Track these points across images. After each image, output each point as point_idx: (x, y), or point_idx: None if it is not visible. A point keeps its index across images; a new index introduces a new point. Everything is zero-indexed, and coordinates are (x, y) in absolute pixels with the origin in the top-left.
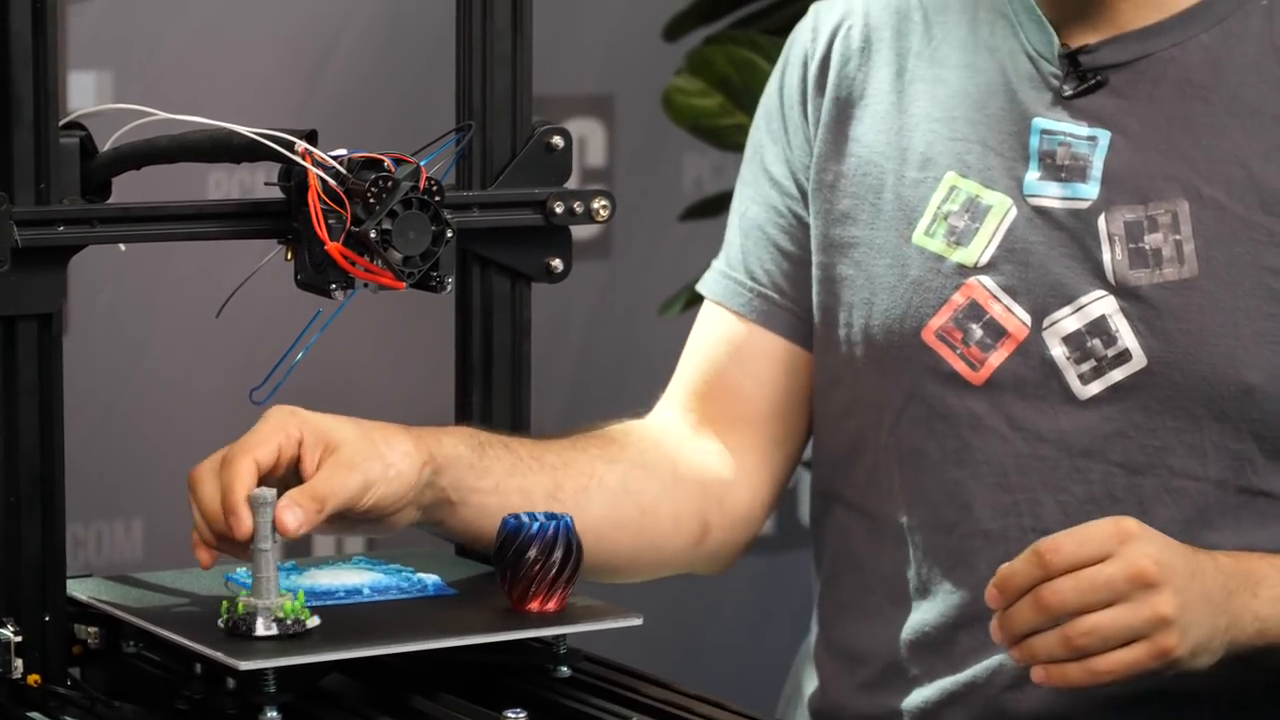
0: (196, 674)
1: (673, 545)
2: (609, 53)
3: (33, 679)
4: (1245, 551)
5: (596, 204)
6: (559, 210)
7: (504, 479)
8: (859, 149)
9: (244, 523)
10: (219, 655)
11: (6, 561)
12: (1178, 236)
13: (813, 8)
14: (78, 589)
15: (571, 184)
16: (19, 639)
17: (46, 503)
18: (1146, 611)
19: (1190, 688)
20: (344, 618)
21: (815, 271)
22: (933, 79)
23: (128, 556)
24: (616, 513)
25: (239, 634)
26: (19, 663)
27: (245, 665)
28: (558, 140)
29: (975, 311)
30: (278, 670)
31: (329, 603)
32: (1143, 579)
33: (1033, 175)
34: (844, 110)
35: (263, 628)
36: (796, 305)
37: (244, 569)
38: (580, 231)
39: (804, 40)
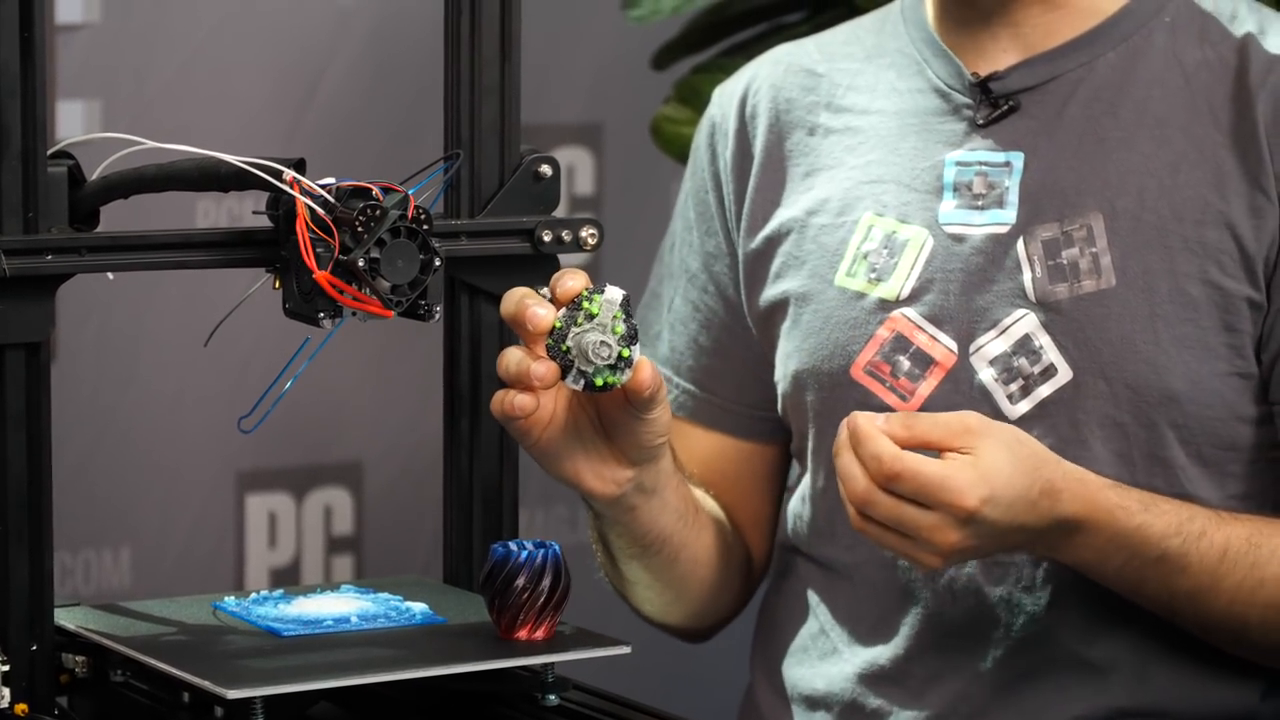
0: (184, 703)
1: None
2: (597, 82)
3: (20, 708)
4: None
5: (585, 232)
6: (547, 239)
7: (681, 488)
8: (782, 212)
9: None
10: (207, 684)
11: None
12: (1094, 249)
13: (715, 92)
14: (65, 618)
15: (560, 212)
16: (6, 668)
17: (34, 531)
18: (937, 536)
19: (1160, 709)
20: (332, 646)
21: (759, 338)
22: (844, 128)
23: (115, 585)
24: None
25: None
26: (6, 692)
27: (233, 694)
28: (546, 169)
29: (901, 343)
30: (265, 699)
31: (317, 631)
32: (946, 528)
33: (948, 205)
34: (768, 177)
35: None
36: (717, 396)
37: (232, 597)
38: (568, 260)
39: (711, 123)
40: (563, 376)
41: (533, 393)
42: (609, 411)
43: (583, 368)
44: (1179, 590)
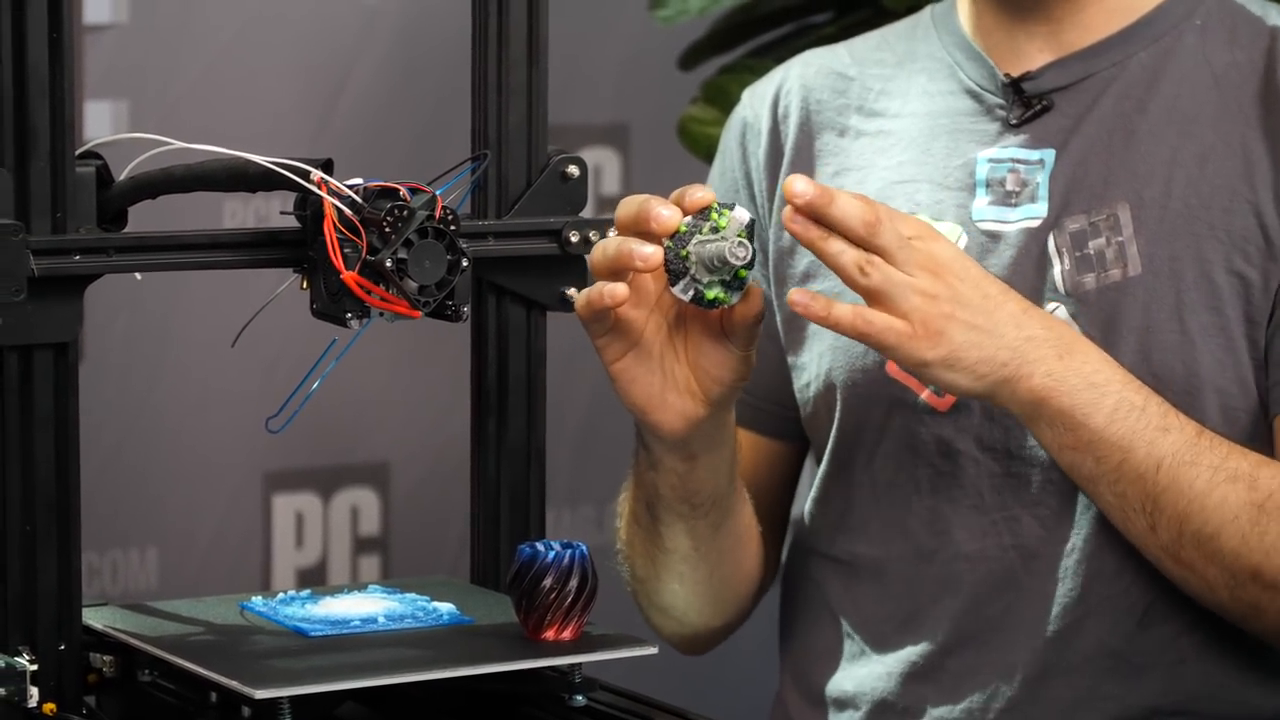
0: (212, 703)
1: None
2: (624, 82)
3: (48, 708)
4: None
5: (612, 233)
6: (574, 239)
7: (736, 453)
8: None
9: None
10: (234, 684)
11: (23, 590)
12: (1120, 238)
13: (745, 92)
14: (93, 618)
15: (587, 213)
16: (34, 667)
17: (62, 531)
18: (930, 285)
19: (1194, 709)
20: (359, 646)
21: (783, 338)
22: (875, 131)
23: (142, 585)
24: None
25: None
26: (34, 691)
27: (260, 694)
28: (573, 169)
29: None
30: (293, 699)
31: (344, 631)
32: (934, 265)
33: (981, 202)
34: (796, 173)
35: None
36: (748, 394)
37: (259, 597)
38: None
39: (742, 123)
40: (673, 283)
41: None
42: (700, 340)
43: (697, 277)
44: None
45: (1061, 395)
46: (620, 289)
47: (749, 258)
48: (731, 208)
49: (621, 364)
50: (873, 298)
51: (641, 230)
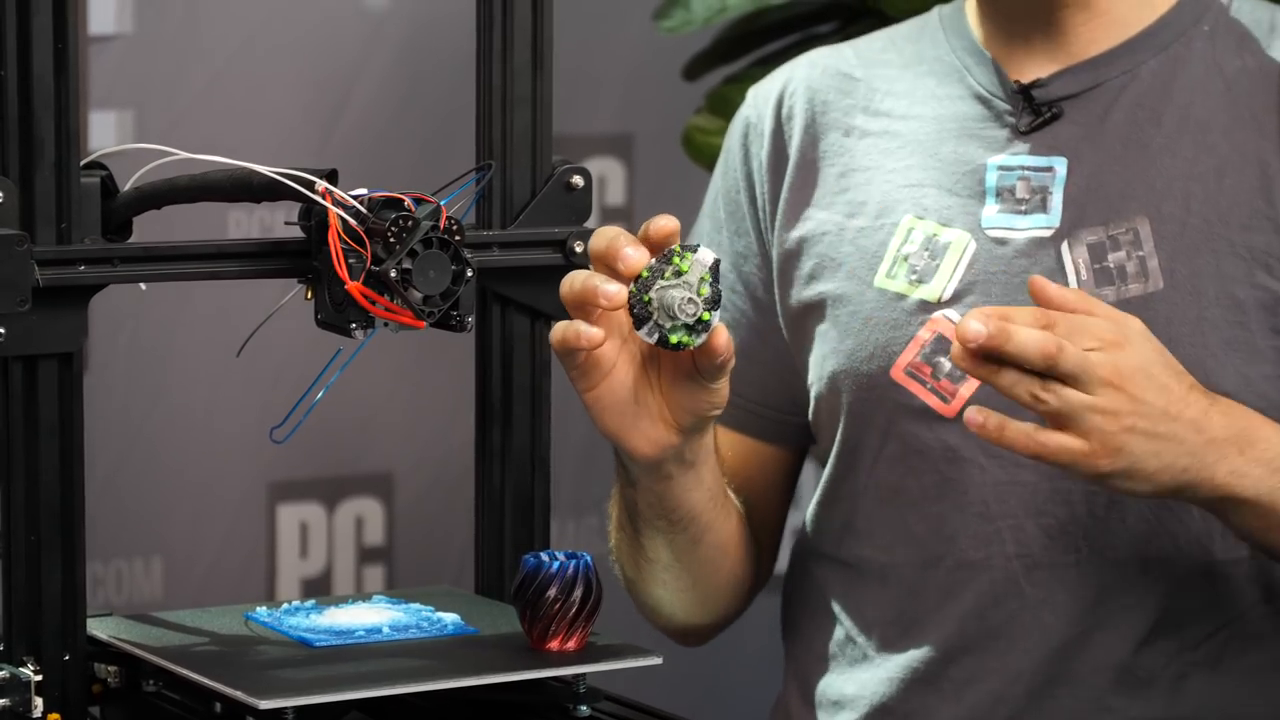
0: (216, 713)
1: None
2: (629, 92)
3: (53, 718)
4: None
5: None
6: (579, 249)
7: (716, 468)
8: (817, 212)
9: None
10: (239, 694)
11: (27, 600)
12: (1140, 253)
13: (749, 92)
14: (98, 628)
15: (591, 223)
16: (39, 678)
17: (67, 541)
18: (1105, 401)
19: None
20: (364, 656)
21: (788, 338)
22: (881, 132)
23: (147, 595)
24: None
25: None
26: (39, 702)
27: (265, 704)
28: (578, 179)
29: (943, 344)
30: (297, 709)
31: (349, 641)
32: (1118, 378)
33: (990, 210)
34: (802, 176)
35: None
36: (742, 398)
37: (264, 607)
38: None
39: (745, 123)
40: (637, 326)
41: (600, 325)
42: (672, 373)
43: (661, 321)
44: None
45: (1245, 488)
46: (596, 333)
47: (696, 314)
48: (695, 250)
49: (595, 393)
50: (1051, 421)
51: (610, 266)
